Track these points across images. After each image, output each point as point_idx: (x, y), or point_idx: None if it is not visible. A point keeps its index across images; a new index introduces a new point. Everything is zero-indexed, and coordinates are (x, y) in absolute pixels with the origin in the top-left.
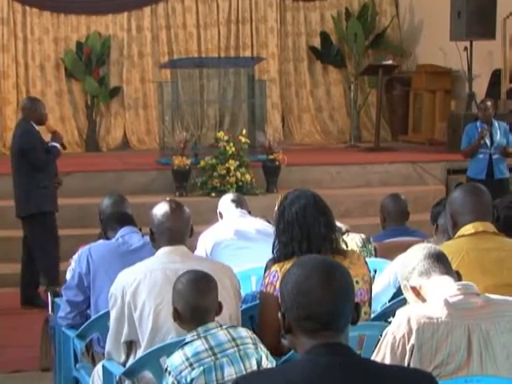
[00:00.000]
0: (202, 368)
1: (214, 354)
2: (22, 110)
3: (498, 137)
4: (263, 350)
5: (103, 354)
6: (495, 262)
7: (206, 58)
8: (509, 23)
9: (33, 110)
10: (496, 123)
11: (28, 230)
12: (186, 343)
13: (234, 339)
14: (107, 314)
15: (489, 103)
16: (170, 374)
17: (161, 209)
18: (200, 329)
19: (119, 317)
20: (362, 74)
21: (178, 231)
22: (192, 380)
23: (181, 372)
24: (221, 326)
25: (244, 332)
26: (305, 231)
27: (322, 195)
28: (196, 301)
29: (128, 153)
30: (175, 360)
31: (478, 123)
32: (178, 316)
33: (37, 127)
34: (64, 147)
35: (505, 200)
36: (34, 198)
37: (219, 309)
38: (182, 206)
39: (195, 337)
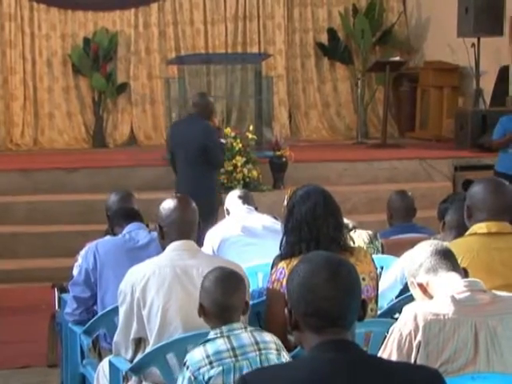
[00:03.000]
0: (221, 368)
1: (235, 356)
2: (195, 106)
3: None
4: (285, 358)
5: (110, 350)
6: (505, 263)
7: (213, 55)
8: None
9: (205, 106)
10: None
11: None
12: (209, 340)
13: (257, 343)
14: (114, 310)
15: None
16: (187, 368)
17: (168, 203)
18: (224, 328)
19: (128, 314)
20: (369, 70)
21: (187, 223)
22: (210, 378)
23: (199, 368)
24: (245, 327)
25: (268, 337)
26: (314, 232)
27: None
28: (222, 299)
29: (135, 149)
30: (195, 355)
31: None
32: (203, 312)
33: None
34: (225, 143)
35: None
36: (203, 195)
37: (246, 307)
38: (188, 199)
39: (218, 335)
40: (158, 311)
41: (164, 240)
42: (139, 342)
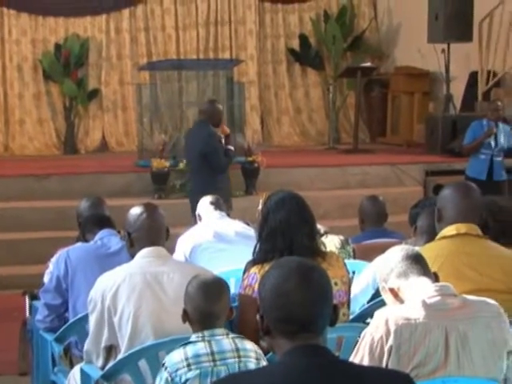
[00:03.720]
0: (198, 371)
1: (214, 360)
2: (202, 113)
3: (501, 139)
4: None
5: (81, 358)
6: (474, 268)
7: (185, 60)
8: (485, 26)
9: (211, 113)
10: (501, 125)
11: None
12: (190, 342)
13: (237, 350)
14: (85, 318)
15: (500, 103)
16: (166, 369)
17: (136, 209)
18: (206, 332)
19: (99, 321)
20: (341, 76)
21: (156, 229)
22: (187, 380)
23: (177, 370)
24: (228, 334)
25: (250, 345)
26: (287, 241)
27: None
28: (204, 306)
29: (106, 155)
30: (174, 357)
31: (485, 121)
32: (187, 317)
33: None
34: (235, 150)
35: (484, 201)
36: None
37: (230, 313)
38: (156, 206)
39: (199, 338)
40: (129, 318)
41: (133, 247)
42: (110, 350)
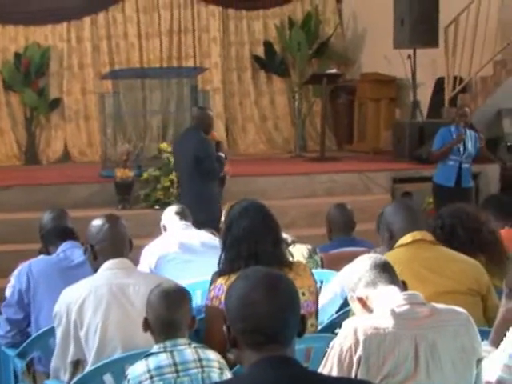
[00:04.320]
0: (161, 383)
1: (177, 372)
2: (193, 119)
3: (469, 145)
4: (228, 377)
5: (44, 374)
6: (433, 271)
7: (148, 69)
8: (451, 31)
9: (201, 119)
10: (468, 132)
11: None
12: (152, 354)
13: (200, 360)
14: (48, 332)
15: (467, 109)
16: (128, 382)
17: (97, 221)
18: (168, 342)
19: (65, 336)
20: (306, 83)
21: (119, 240)
22: None
23: (140, 382)
24: (190, 343)
25: (213, 355)
26: (252, 249)
27: (267, 206)
28: (166, 314)
29: (69, 166)
30: (137, 369)
31: (453, 128)
32: (148, 326)
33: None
34: (226, 157)
35: (449, 208)
36: (204, 206)
37: (192, 323)
38: (118, 217)
39: (161, 349)
40: (96, 331)
41: (96, 260)
42: (77, 364)
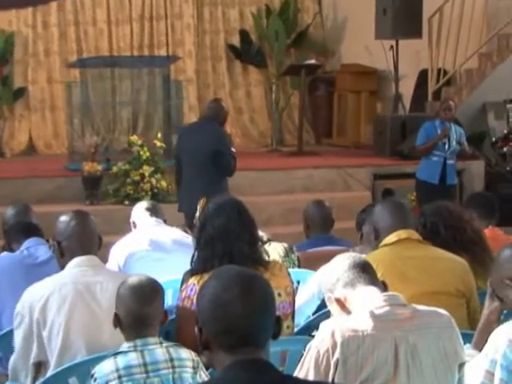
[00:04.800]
0: (130, 383)
1: (147, 372)
2: (208, 110)
3: (454, 141)
4: (202, 376)
5: (6, 376)
6: (419, 270)
7: (118, 57)
8: (435, 22)
9: (218, 111)
10: (453, 126)
11: None
12: (120, 352)
13: (171, 359)
14: (11, 332)
15: (452, 103)
16: (95, 380)
17: (65, 216)
18: (139, 341)
19: (27, 336)
20: (284, 74)
21: (87, 236)
22: None
23: (107, 382)
24: (161, 342)
25: (185, 354)
26: (227, 248)
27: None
28: (137, 308)
29: (34, 158)
30: (105, 368)
31: (437, 122)
32: (118, 322)
33: None
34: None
35: (431, 206)
36: None
37: (165, 318)
38: (86, 213)
39: (131, 348)
40: (59, 331)
41: (63, 257)
42: (40, 367)
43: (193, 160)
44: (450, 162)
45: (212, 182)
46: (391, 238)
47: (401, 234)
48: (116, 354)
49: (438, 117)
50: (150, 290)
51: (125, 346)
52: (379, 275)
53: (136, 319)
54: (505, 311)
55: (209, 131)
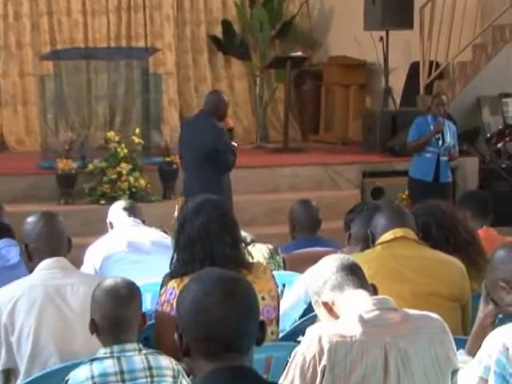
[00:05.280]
0: None
1: (123, 381)
2: (205, 104)
3: (448, 137)
4: None
5: None
6: (414, 270)
7: (94, 49)
8: (427, 12)
9: (216, 104)
10: (446, 122)
11: None
12: (97, 359)
13: (150, 368)
14: None
15: (444, 98)
16: None
17: (32, 217)
18: (116, 347)
19: None
20: (269, 66)
21: (56, 238)
22: None
23: None
24: (140, 349)
25: (165, 361)
26: (207, 250)
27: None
28: (115, 310)
29: (5, 155)
30: (79, 374)
31: (430, 118)
32: (95, 328)
33: None
34: (237, 145)
35: (423, 205)
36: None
37: (143, 321)
38: (55, 213)
39: (108, 355)
40: (28, 335)
41: (31, 261)
42: (9, 375)
43: (190, 157)
44: (443, 158)
45: (210, 179)
46: (387, 236)
47: (397, 232)
48: (92, 360)
49: (430, 112)
50: (126, 292)
51: (101, 351)
52: (371, 274)
53: (113, 322)
54: (500, 315)
55: (204, 127)
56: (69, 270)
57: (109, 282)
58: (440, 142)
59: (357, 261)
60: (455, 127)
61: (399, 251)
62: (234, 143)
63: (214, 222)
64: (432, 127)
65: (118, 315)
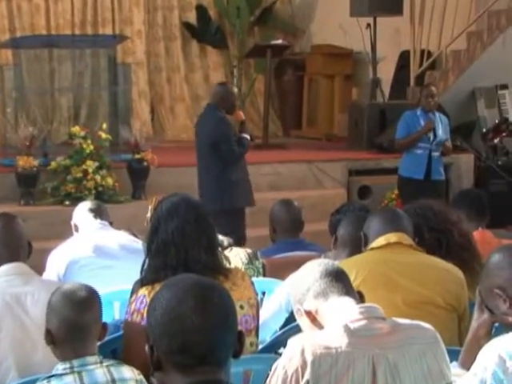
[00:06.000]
0: None
1: None
2: (212, 96)
3: (439, 131)
4: None
5: None
6: (407, 277)
7: (57, 36)
8: None
9: (222, 96)
10: (437, 114)
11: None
12: (54, 375)
13: (113, 381)
14: None
15: (434, 89)
16: None
17: None
18: (76, 361)
19: None
20: (247, 56)
21: (14, 243)
22: None
23: None
24: (102, 361)
25: (129, 373)
26: (182, 256)
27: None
28: (73, 316)
29: None
30: None
31: (419, 112)
32: (51, 339)
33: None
34: (252, 138)
35: (414, 206)
36: (221, 195)
37: (103, 331)
38: (13, 216)
39: (67, 370)
40: None
41: None
42: None
43: (198, 152)
44: (435, 154)
45: (215, 174)
46: (380, 241)
47: (390, 237)
48: (49, 377)
49: (419, 105)
50: (85, 296)
51: (59, 367)
52: (361, 280)
53: (71, 329)
54: (496, 324)
55: (207, 120)
56: (29, 277)
57: (66, 286)
58: (432, 137)
59: (345, 266)
60: (447, 119)
61: (392, 257)
62: (246, 135)
63: (190, 225)
64: (422, 121)
65: (75, 321)
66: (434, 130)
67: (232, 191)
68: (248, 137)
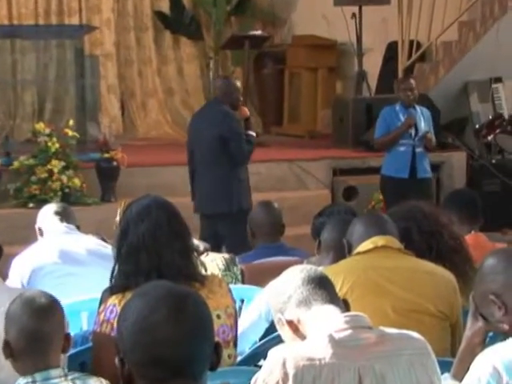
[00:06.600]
0: None
1: None
2: (215, 91)
3: (422, 125)
4: None
5: None
6: (396, 283)
7: (20, 27)
8: None
9: (226, 90)
10: (418, 108)
11: (223, 229)
12: None
13: None
14: None
15: (413, 81)
16: None
17: None
18: (38, 375)
19: None
20: (224, 47)
21: None
22: None
23: None
24: (66, 374)
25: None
26: (154, 260)
27: (175, 204)
28: (32, 323)
29: None
30: None
31: (398, 107)
32: (10, 352)
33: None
34: (257, 135)
35: (401, 208)
36: (235, 194)
37: (67, 342)
38: None
39: None
40: None
41: None
42: None
43: (199, 152)
44: (419, 150)
45: (220, 173)
46: (366, 245)
47: (377, 241)
48: None
49: (398, 99)
50: (44, 303)
51: (21, 382)
52: (348, 288)
53: (30, 340)
54: (490, 333)
55: (210, 115)
56: None
57: (25, 294)
58: (413, 132)
59: (331, 272)
60: (429, 112)
61: (380, 262)
62: (251, 132)
63: (162, 228)
64: (402, 117)
65: (35, 329)
66: (416, 126)
67: (240, 191)
68: (254, 134)
